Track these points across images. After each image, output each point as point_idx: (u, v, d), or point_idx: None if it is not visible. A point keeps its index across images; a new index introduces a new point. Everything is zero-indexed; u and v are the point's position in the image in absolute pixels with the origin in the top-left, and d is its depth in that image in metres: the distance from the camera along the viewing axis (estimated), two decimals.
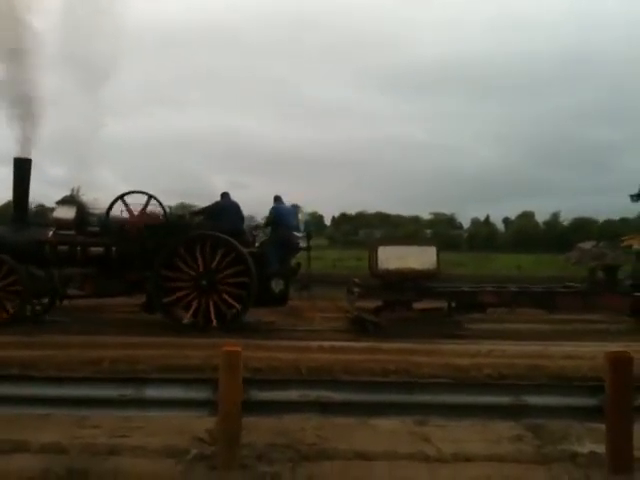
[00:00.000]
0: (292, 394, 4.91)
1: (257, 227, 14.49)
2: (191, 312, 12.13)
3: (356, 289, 13.08)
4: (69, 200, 14.14)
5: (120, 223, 12.84)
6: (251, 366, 7.00)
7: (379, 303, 12.95)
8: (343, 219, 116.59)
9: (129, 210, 12.87)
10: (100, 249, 12.78)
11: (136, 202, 12.84)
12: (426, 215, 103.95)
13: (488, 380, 7.09)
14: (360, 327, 12.53)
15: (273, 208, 13.74)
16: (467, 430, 5.56)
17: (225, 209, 13.17)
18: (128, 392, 4.81)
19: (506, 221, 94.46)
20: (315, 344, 10.12)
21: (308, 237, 14.78)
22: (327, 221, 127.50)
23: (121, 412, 5.06)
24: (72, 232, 13.03)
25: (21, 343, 10.04)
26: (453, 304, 12.91)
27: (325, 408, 4.93)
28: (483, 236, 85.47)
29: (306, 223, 15.88)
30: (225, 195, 13.48)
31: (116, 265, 12.71)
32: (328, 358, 8.79)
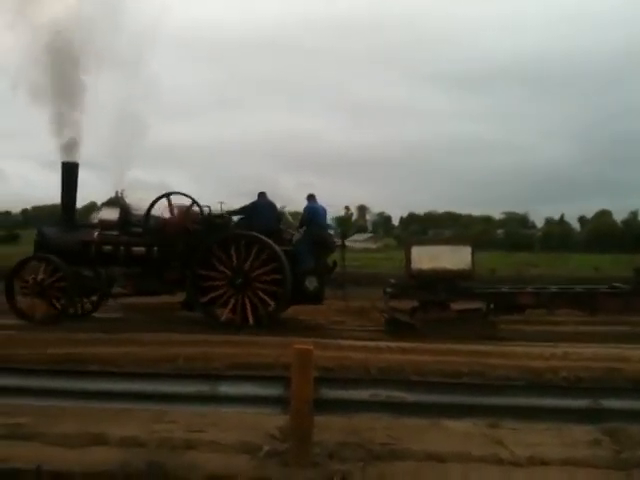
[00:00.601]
0: (363, 393, 4.92)
1: (291, 227, 14.41)
2: (228, 310, 12.41)
3: (389, 289, 12.98)
4: (113, 202, 14.57)
5: (159, 223, 13.19)
6: (321, 365, 7.05)
7: (415, 304, 12.72)
8: (411, 219, 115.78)
9: (171, 210, 13.18)
10: (142, 249, 13.18)
11: (176, 203, 13.14)
12: (498, 215, 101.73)
13: (564, 383, 6.92)
14: (394, 328, 12.41)
15: (306, 207, 13.81)
16: (542, 434, 5.42)
17: (261, 208, 13.37)
18: (203, 388, 4.93)
19: (582, 220, 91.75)
20: (384, 344, 10.09)
21: (342, 236, 14.82)
22: (395, 221, 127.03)
23: (196, 408, 5.19)
24: (116, 233, 13.47)
25: (100, 340, 10.41)
26: (491, 305, 12.55)
27: (396, 408, 4.92)
28: (557, 235, 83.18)
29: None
30: (262, 195, 13.64)
31: (156, 264, 13.09)
32: (398, 359, 8.76)
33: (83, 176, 13.97)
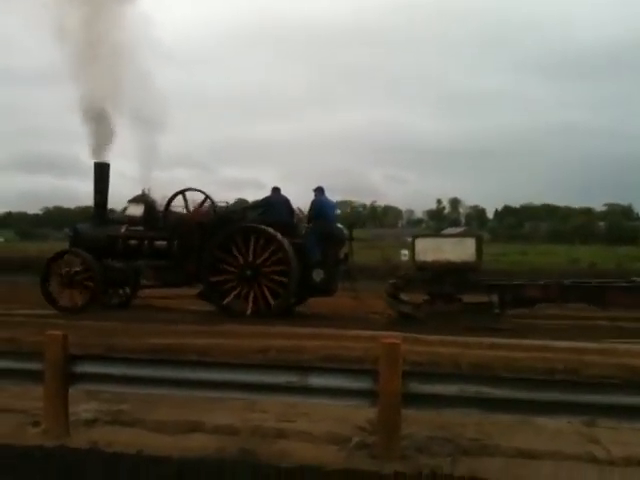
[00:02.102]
0: (452, 389, 4.89)
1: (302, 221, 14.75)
2: (232, 296, 13.15)
3: (392, 281, 13.06)
4: (139, 198, 15.35)
5: (177, 219, 14.18)
6: (410, 359, 7.05)
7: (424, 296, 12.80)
8: (507, 212, 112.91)
9: (186, 206, 14.26)
10: (164, 243, 14.13)
11: (194, 199, 14.24)
12: (599, 206, 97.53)
13: None
14: (401, 319, 12.53)
15: (314, 200, 14.12)
16: None
17: (274, 203, 13.95)
18: (294, 379, 5.04)
19: None
20: (474, 340, 9.94)
21: (350, 229, 14.91)
22: (490, 214, 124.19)
23: (287, 398, 5.31)
24: (141, 228, 14.55)
25: (196, 332, 10.80)
26: (502, 298, 12.36)
27: (486, 404, 4.86)
28: None
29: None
30: (276, 190, 14.17)
31: (176, 257, 13.88)
32: (488, 354, 8.62)
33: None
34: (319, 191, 14.18)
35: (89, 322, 11.58)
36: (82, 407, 5.93)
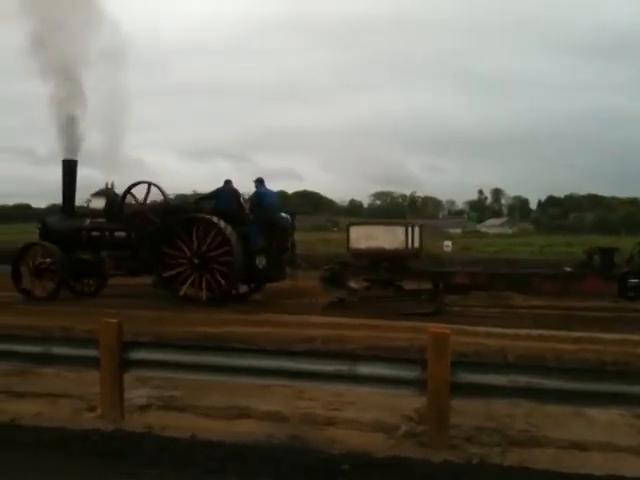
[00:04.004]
0: (501, 379, 4.88)
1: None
2: (186, 286, 13.87)
3: (328, 267, 13.52)
4: (102, 192, 16.36)
5: (131, 210, 15.01)
6: (456, 350, 7.03)
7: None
8: (550, 202, 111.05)
9: (135, 199, 15.15)
10: (123, 233, 14.98)
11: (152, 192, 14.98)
12: None
13: None
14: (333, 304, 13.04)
15: (255, 192, 14.96)
16: None
17: (223, 194, 14.67)
18: (343, 368, 5.09)
19: None
20: (523, 332, 9.86)
21: (292, 217, 15.57)
22: (533, 205, 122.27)
23: (335, 386, 5.37)
24: (103, 220, 15.39)
25: (241, 321, 10.96)
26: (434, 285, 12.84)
27: (536, 395, 4.84)
28: None
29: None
30: (227, 182, 14.89)
31: (133, 247, 14.68)
32: (538, 346, 8.55)
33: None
34: (259, 182, 14.92)
35: (138, 311, 11.84)
36: (136, 393, 6.10)
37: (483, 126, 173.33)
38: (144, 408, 5.83)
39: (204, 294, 13.74)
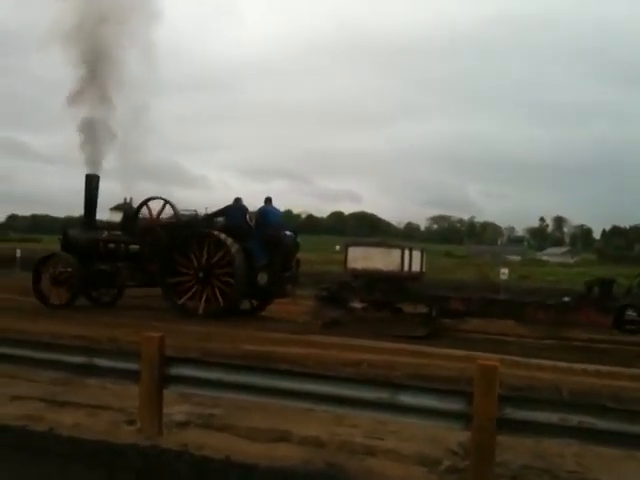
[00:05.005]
0: (551, 416, 4.63)
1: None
2: (187, 297, 14.41)
3: (325, 286, 13.69)
4: (120, 207, 17.09)
5: (144, 224, 15.77)
6: (507, 383, 6.77)
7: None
8: (615, 232, 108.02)
9: (150, 213, 15.89)
10: (136, 246, 15.73)
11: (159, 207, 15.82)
12: None
13: None
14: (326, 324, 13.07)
15: (259, 209, 15.39)
16: None
17: (232, 211, 15.20)
18: (384, 396, 4.93)
19: None
20: (578, 366, 9.46)
21: (295, 235, 15.98)
22: (596, 235, 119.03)
23: (377, 414, 5.19)
24: (120, 233, 16.16)
25: (288, 340, 10.88)
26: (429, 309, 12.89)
27: (587, 435, 4.57)
28: None
29: None
30: (237, 200, 15.38)
31: (146, 259, 15.33)
32: (593, 382, 8.18)
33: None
34: (266, 201, 15.44)
35: (186, 326, 11.91)
36: (175, 409, 6.05)
37: (545, 154, 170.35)
38: (183, 425, 5.77)
39: (202, 307, 14.24)
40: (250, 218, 15.41)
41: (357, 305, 13.46)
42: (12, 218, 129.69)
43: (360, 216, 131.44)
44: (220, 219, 15.54)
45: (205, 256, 14.35)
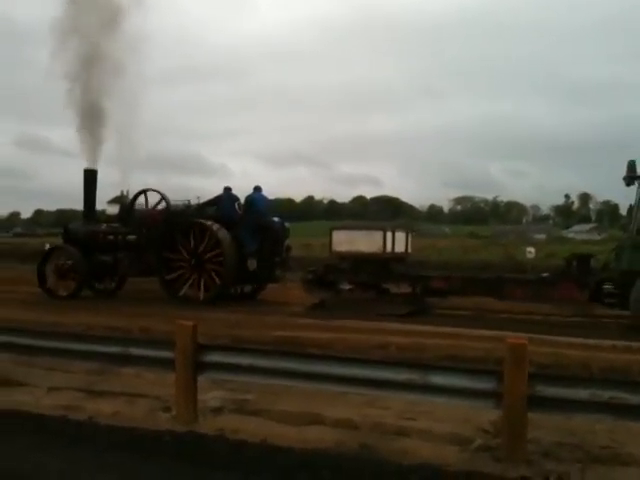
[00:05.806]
0: (582, 393, 4.65)
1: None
2: (187, 286, 14.82)
3: (311, 269, 14.09)
4: (117, 199, 17.48)
5: (139, 215, 16.22)
6: (536, 361, 6.79)
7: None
8: None
9: (146, 204, 16.37)
10: (133, 237, 16.15)
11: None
12: None
13: None
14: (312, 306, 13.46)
15: (247, 197, 15.70)
16: None
17: (223, 201, 15.64)
18: (415, 377, 4.99)
19: None
20: (607, 343, 9.43)
21: (282, 222, 16.20)
22: (623, 210, 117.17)
23: (408, 396, 5.26)
24: (117, 225, 16.69)
25: (316, 326, 10.97)
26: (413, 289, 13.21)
27: (620, 411, 4.59)
28: None
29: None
30: (227, 189, 15.80)
31: (143, 249, 15.69)
32: (623, 358, 8.15)
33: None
34: (255, 189, 15.78)
35: (215, 314, 12.05)
36: (209, 395, 6.18)
37: (569, 131, 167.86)
38: (217, 411, 5.90)
39: (202, 294, 14.63)
40: (239, 206, 15.78)
41: (345, 287, 13.82)
42: (38, 213, 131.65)
43: (383, 199, 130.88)
44: (211, 209, 15.88)
45: (192, 242, 14.81)
